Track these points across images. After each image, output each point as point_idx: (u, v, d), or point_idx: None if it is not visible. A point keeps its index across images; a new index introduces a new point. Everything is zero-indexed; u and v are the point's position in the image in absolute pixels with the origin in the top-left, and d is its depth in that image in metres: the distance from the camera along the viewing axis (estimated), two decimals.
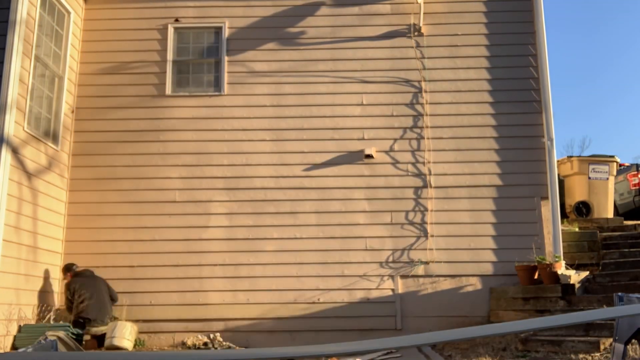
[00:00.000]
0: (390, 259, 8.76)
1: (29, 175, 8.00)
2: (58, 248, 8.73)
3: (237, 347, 8.29)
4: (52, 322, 8.10)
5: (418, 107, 9.20)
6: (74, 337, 7.83)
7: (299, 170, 9.05)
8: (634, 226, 10.01)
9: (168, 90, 9.30)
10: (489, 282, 8.68)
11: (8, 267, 7.53)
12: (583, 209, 11.29)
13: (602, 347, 6.49)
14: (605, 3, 50.48)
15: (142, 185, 9.01)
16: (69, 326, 7.85)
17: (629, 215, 12.43)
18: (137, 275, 8.72)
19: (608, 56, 51.48)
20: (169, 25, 9.50)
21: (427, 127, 9.12)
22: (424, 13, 9.40)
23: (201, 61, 9.51)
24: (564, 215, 10.64)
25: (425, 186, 8.98)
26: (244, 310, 8.63)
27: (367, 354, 6.77)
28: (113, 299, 8.38)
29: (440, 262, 8.73)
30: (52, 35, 8.75)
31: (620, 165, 13.03)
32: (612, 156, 11.56)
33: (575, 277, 8.19)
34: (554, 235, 8.68)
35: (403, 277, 8.72)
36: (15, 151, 7.64)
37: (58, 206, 8.74)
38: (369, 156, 9.00)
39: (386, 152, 9.09)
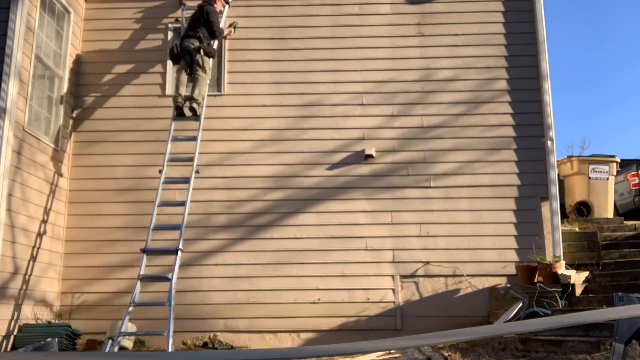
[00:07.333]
0: (390, 259, 8.75)
1: (29, 175, 8.00)
2: (58, 248, 8.72)
3: (237, 347, 8.29)
4: (52, 321, 8.10)
5: (418, 106, 9.20)
6: (74, 336, 7.84)
7: (299, 170, 9.05)
8: (634, 226, 10.01)
9: (168, 90, 9.30)
10: (489, 282, 8.68)
11: (8, 267, 7.54)
12: (583, 209, 11.29)
13: (602, 347, 6.49)
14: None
15: (142, 185, 9.01)
16: (69, 326, 7.86)
17: (629, 215, 12.44)
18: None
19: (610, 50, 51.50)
20: (169, 25, 9.51)
21: (427, 126, 9.11)
22: (424, 13, 9.39)
23: None
24: (564, 215, 10.64)
25: (425, 186, 8.98)
26: (244, 310, 8.62)
27: (367, 354, 6.77)
28: None
29: (440, 262, 8.72)
30: (52, 35, 8.75)
31: (622, 160, 13.02)
32: (613, 156, 11.57)
33: (575, 277, 8.20)
34: (553, 235, 8.67)
35: (403, 277, 8.71)
36: (15, 151, 7.64)
37: (58, 206, 8.74)
38: (369, 156, 8.99)
39: (386, 152, 9.08)
